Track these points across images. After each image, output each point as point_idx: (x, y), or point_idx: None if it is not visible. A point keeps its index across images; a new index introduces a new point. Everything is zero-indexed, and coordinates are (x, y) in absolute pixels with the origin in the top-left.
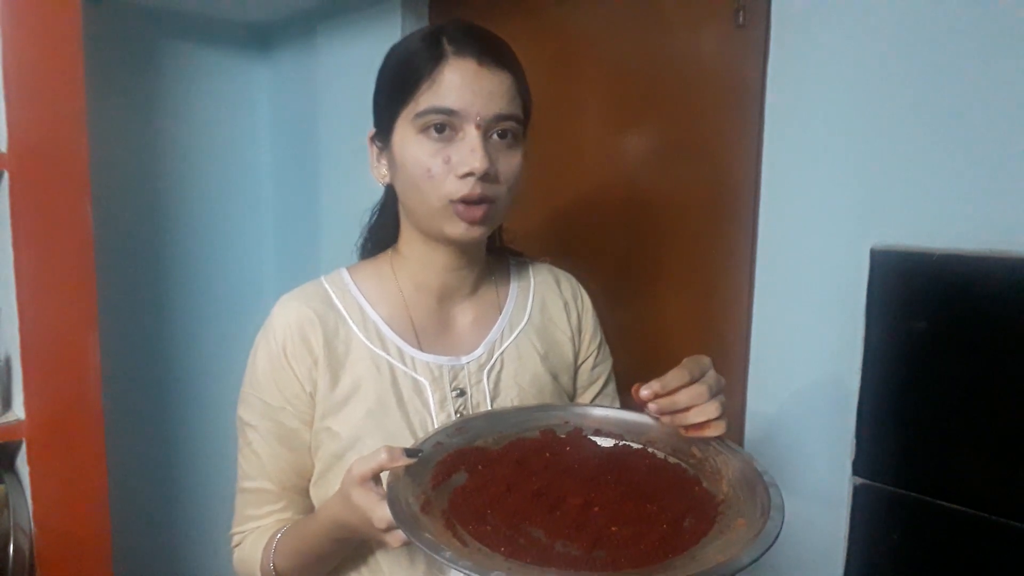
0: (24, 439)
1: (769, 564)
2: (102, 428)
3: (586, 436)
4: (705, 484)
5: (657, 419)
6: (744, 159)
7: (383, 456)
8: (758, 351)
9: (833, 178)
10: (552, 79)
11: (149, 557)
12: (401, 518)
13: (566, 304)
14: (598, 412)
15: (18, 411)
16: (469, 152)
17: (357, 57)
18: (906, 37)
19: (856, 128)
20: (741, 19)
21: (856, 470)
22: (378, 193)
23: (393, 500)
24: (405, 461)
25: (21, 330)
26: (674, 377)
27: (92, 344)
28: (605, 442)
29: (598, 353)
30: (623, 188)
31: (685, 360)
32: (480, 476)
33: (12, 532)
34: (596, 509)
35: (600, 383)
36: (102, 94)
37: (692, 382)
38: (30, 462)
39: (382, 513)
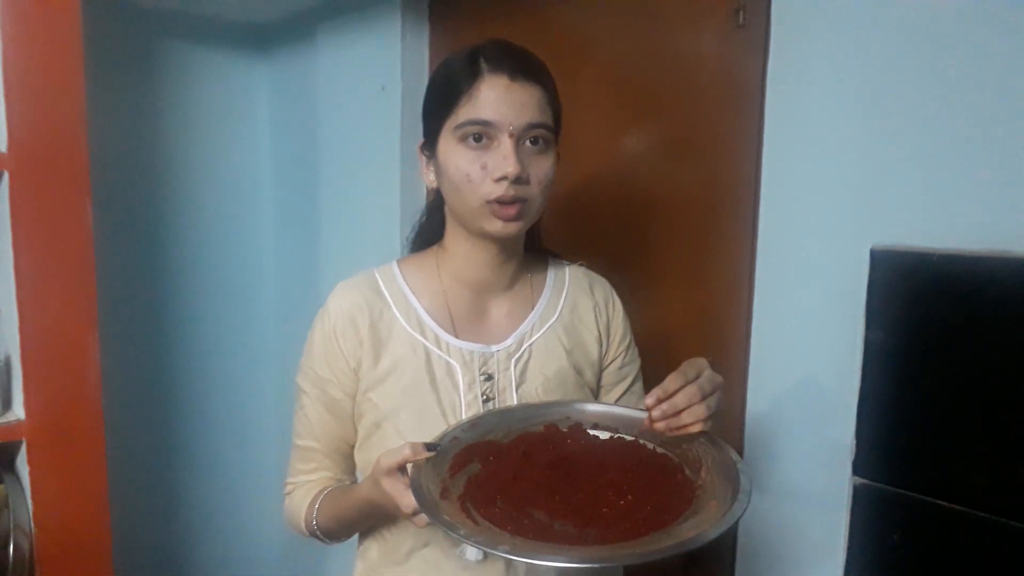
0: (24, 439)
1: (770, 563)
2: (102, 428)
3: (585, 430)
4: (688, 472)
5: (653, 428)
6: (744, 159)
7: (407, 451)
8: (758, 351)
9: (833, 178)
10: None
11: (149, 557)
12: (424, 503)
13: (596, 307)
14: (595, 408)
15: (18, 411)
16: (503, 159)
17: (357, 57)
18: (906, 37)
19: (856, 128)
20: (741, 19)
21: (856, 470)
22: (377, 194)
23: (416, 488)
24: (426, 455)
25: (21, 330)
26: (672, 381)
27: (92, 344)
28: (602, 435)
29: (626, 354)
30: (623, 188)
31: (683, 364)
32: (491, 466)
33: (12, 532)
34: (591, 495)
35: (628, 381)
36: (102, 94)
37: (688, 384)
38: (30, 462)
39: (408, 500)
